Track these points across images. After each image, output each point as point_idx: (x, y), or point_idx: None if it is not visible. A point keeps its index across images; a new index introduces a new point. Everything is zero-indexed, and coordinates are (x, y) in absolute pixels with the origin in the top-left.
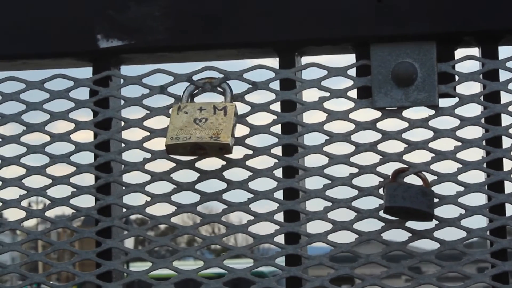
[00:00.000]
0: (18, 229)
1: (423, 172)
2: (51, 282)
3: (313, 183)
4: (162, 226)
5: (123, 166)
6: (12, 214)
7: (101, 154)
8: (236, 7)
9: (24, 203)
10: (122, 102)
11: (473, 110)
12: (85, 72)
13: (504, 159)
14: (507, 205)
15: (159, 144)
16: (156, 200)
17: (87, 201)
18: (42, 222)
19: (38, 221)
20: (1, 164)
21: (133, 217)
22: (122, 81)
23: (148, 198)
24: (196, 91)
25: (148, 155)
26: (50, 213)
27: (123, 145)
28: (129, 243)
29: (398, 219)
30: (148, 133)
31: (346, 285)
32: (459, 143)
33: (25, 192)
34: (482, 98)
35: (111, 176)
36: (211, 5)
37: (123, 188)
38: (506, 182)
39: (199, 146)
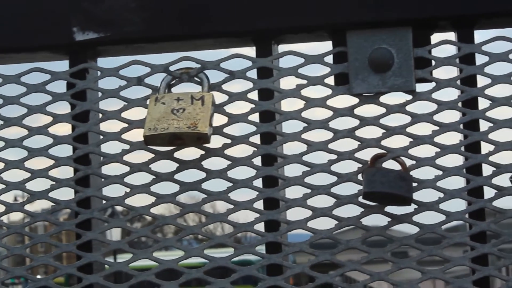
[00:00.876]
0: None
1: (401, 157)
2: (38, 276)
3: (292, 170)
4: (148, 217)
5: (101, 158)
6: None
7: (79, 147)
8: None
9: (9, 196)
10: (100, 94)
11: (450, 94)
12: (62, 65)
13: (482, 142)
14: (485, 187)
15: (137, 135)
16: (136, 191)
17: (66, 194)
18: (28, 215)
19: (24, 214)
20: None
21: (119, 208)
22: (99, 73)
23: (128, 190)
24: (173, 81)
25: (127, 147)
26: (34, 207)
27: (101, 137)
28: (116, 235)
29: (377, 204)
30: (126, 125)
31: (334, 271)
32: (437, 128)
33: (4, 186)
34: (459, 82)
35: (90, 168)
36: None
37: (102, 180)
38: (484, 165)
39: (177, 136)
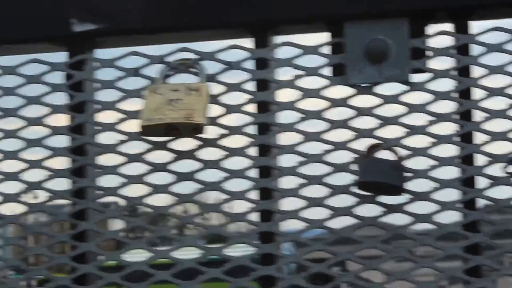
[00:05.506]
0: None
1: (396, 147)
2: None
3: (287, 160)
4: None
5: (98, 148)
6: None
7: (76, 137)
8: None
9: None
10: (97, 85)
11: (446, 84)
12: (62, 57)
13: (476, 132)
14: (478, 178)
15: (134, 126)
16: (131, 181)
17: (63, 184)
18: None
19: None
20: None
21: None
22: (96, 64)
23: (124, 180)
24: (171, 72)
25: (123, 137)
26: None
27: (97, 128)
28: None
29: (371, 194)
30: (122, 116)
31: (337, 267)
32: (432, 118)
33: (2, 177)
34: (454, 72)
35: (86, 159)
36: None
37: (98, 170)
38: (477, 155)
39: (173, 126)
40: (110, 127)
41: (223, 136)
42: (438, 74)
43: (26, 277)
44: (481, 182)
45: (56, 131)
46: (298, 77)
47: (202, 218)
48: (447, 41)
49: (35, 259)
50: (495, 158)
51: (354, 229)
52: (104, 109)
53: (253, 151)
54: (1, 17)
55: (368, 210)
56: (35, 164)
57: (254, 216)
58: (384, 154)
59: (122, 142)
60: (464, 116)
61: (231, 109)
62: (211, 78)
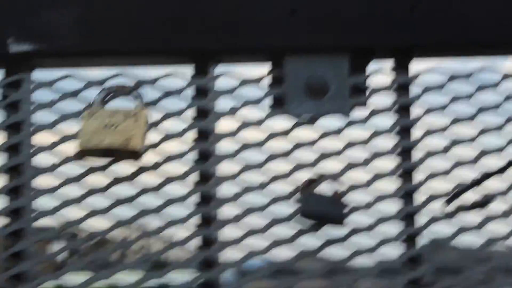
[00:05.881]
0: None
1: (335, 181)
2: None
3: (226, 189)
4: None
5: (34, 169)
6: None
7: (11, 157)
8: (151, 14)
9: None
10: (34, 106)
11: (385, 121)
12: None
13: (415, 170)
14: (418, 213)
15: (70, 148)
16: (67, 204)
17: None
18: None
19: None
20: None
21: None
22: (33, 85)
23: (59, 202)
24: (109, 96)
25: (59, 159)
26: None
27: (34, 148)
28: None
29: (310, 227)
30: (59, 137)
31: None
32: (371, 153)
33: None
34: (393, 109)
35: (22, 179)
36: (125, 11)
37: (34, 192)
38: (417, 192)
39: (110, 151)
40: (46, 148)
41: (161, 162)
42: (377, 111)
43: None
44: (421, 218)
45: None
46: (237, 107)
47: (143, 243)
48: (387, 78)
49: None
50: (435, 196)
51: (295, 260)
52: (40, 130)
53: (192, 180)
54: None
55: (309, 242)
56: None
57: (194, 243)
58: (323, 187)
59: (59, 164)
60: (403, 153)
61: (170, 136)
62: (149, 104)
